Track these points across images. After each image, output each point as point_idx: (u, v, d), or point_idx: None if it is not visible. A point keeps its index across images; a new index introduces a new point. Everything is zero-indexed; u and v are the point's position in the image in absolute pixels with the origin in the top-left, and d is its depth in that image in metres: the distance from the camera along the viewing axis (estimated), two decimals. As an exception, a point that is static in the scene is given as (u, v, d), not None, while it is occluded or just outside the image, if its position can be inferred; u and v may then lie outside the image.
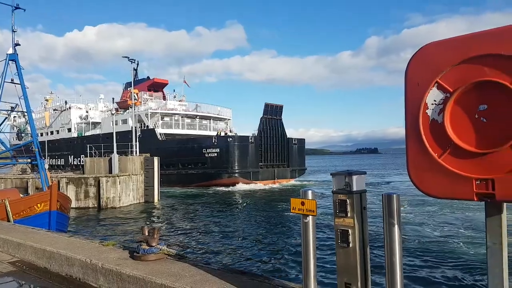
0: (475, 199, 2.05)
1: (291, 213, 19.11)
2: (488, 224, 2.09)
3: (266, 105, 40.68)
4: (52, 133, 57.90)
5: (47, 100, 63.46)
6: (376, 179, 47.03)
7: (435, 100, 2.22)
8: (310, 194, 2.84)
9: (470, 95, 2.12)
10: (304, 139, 45.88)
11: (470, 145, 2.08)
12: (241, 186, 36.97)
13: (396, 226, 2.38)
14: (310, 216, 2.81)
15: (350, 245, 2.57)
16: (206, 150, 38.34)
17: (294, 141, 43.62)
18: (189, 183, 38.39)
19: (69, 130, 54.23)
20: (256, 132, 40.75)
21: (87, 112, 53.71)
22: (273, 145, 41.14)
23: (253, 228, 17.42)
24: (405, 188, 33.01)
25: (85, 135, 50.48)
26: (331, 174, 2.77)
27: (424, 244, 13.04)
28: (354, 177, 2.60)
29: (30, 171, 34.11)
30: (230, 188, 36.20)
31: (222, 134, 42.37)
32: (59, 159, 53.42)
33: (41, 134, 57.53)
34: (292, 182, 42.65)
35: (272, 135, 41.14)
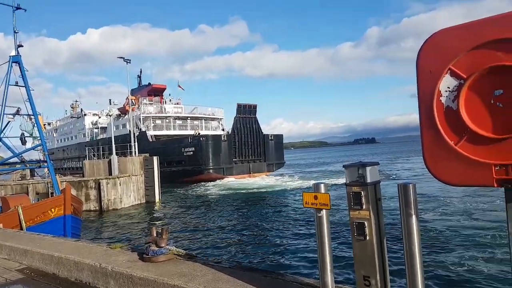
0: (495, 185, 2.02)
1: (290, 207, 18.90)
2: (509, 211, 2.06)
3: (239, 105, 43.24)
4: (72, 138, 63.35)
5: (72, 108, 68.71)
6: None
7: (448, 87, 2.19)
8: (322, 188, 2.81)
9: (484, 80, 2.08)
10: (282, 135, 48.73)
11: (487, 131, 2.05)
12: (219, 182, 38.83)
13: (413, 216, 2.35)
14: (324, 210, 2.78)
15: (367, 238, 2.55)
16: (185, 149, 41.04)
17: (271, 137, 46.32)
18: (172, 181, 40.24)
19: (84, 135, 58.67)
20: (230, 130, 43.56)
21: (99, 117, 57.40)
22: (248, 142, 43.60)
23: (258, 224, 17.40)
24: (406, 177, 33.04)
25: (96, 139, 53.31)
26: (343, 166, 2.74)
27: (443, 234, 12.81)
28: (368, 169, 2.57)
29: (29, 176, 33.94)
30: (205, 183, 37.83)
31: (197, 133, 45.24)
32: (77, 162, 57.51)
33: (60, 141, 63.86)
34: (271, 176, 43.38)
35: (247, 133, 43.52)
